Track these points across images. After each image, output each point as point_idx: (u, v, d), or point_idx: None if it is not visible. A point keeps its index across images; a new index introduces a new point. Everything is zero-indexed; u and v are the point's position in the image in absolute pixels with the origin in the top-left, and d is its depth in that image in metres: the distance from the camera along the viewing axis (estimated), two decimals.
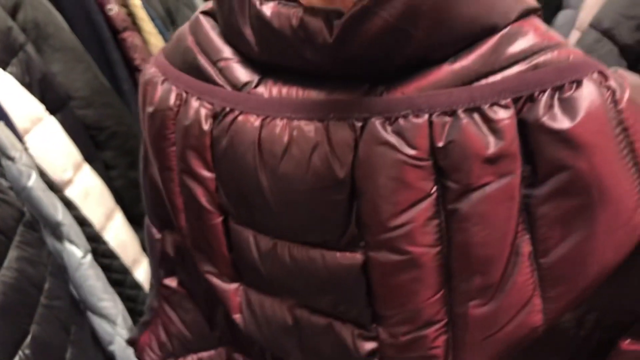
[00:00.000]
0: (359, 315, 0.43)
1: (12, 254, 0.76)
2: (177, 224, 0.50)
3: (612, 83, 0.33)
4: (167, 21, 1.47)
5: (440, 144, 0.35)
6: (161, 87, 0.47)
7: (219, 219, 0.47)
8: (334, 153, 0.38)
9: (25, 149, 0.90)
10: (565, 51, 0.34)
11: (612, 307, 0.38)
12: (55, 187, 0.92)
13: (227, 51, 0.43)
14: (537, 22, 0.36)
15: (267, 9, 0.39)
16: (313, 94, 0.40)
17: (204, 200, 0.46)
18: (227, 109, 0.43)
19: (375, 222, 0.38)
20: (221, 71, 0.43)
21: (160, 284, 0.58)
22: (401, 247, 0.37)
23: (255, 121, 0.42)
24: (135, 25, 1.28)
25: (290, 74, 0.41)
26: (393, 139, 0.36)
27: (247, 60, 0.43)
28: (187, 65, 0.45)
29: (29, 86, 1.00)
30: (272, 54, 0.41)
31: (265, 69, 0.42)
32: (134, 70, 1.24)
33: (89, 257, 0.89)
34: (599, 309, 0.38)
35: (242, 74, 0.43)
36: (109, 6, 1.22)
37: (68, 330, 0.82)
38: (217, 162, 0.45)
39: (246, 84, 0.42)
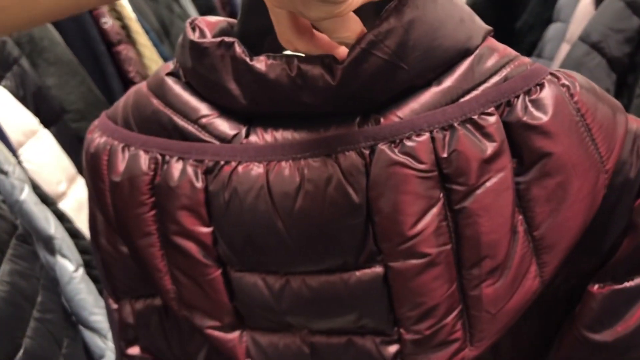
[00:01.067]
0: (380, 323, 0.45)
1: (5, 267, 0.76)
2: (161, 288, 0.49)
3: (564, 81, 0.40)
4: (162, 34, 1.48)
5: (445, 155, 0.40)
6: (123, 154, 0.47)
7: (218, 272, 0.47)
8: (348, 181, 0.41)
9: (19, 162, 0.91)
10: (521, 61, 0.41)
11: (577, 260, 0.44)
12: (49, 200, 0.93)
13: (204, 108, 0.44)
14: (494, 41, 0.42)
15: (259, 64, 0.42)
16: (309, 134, 0.42)
17: (199, 256, 0.46)
18: (222, 163, 0.43)
19: (394, 235, 0.41)
20: (204, 128, 0.44)
21: (122, 354, 0.58)
22: (420, 251, 0.41)
23: (258, 168, 0.43)
24: (129, 38, 1.29)
25: (279, 119, 0.43)
26: (402, 158, 0.40)
27: (228, 113, 0.44)
28: (158, 128, 0.46)
29: (23, 99, 1.00)
30: (262, 103, 0.43)
31: (249, 118, 0.44)
32: (128, 83, 1.25)
33: (81, 271, 0.89)
34: (567, 265, 0.44)
35: (227, 127, 0.44)
36: (103, 19, 1.23)
37: (60, 343, 0.83)
38: (215, 215, 0.45)
39: (235, 135, 0.44)
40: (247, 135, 0.43)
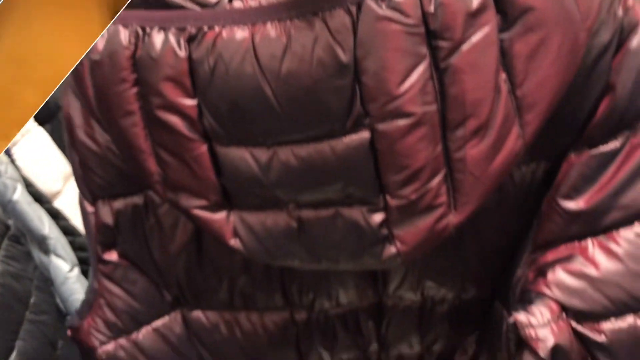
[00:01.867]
0: (367, 191, 0.46)
1: None
2: (145, 171, 0.48)
3: None
4: None
5: (431, 10, 0.40)
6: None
7: (204, 147, 0.46)
8: (336, 39, 0.41)
9: (12, 161, 0.90)
10: None
11: (556, 133, 0.46)
12: (43, 199, 0.92)
13: None
14: None
15: None
16: None
17: (185, 130, 0.45)
18: (205, 29, 0.43)
19: (382, 94, 0.42)
20: None
21: (98, 260, 0.57)
22: (406, 111, 0.42)
23: (243, 32, 0.42)
24: None
25: None
26: (389, 13, 0.40)
27: None
28: (137, 0, 0.45)
29: None
30: None
31: None
32: None
33: (76, 270, 0.88)
34: (545, 140, 0.45)
35: None
36: None
37: (55, 345, 0.82)
38: (200, 85, 0.44)
39: (218, 1, 0.43)
40: (230, 0, 0.43)
